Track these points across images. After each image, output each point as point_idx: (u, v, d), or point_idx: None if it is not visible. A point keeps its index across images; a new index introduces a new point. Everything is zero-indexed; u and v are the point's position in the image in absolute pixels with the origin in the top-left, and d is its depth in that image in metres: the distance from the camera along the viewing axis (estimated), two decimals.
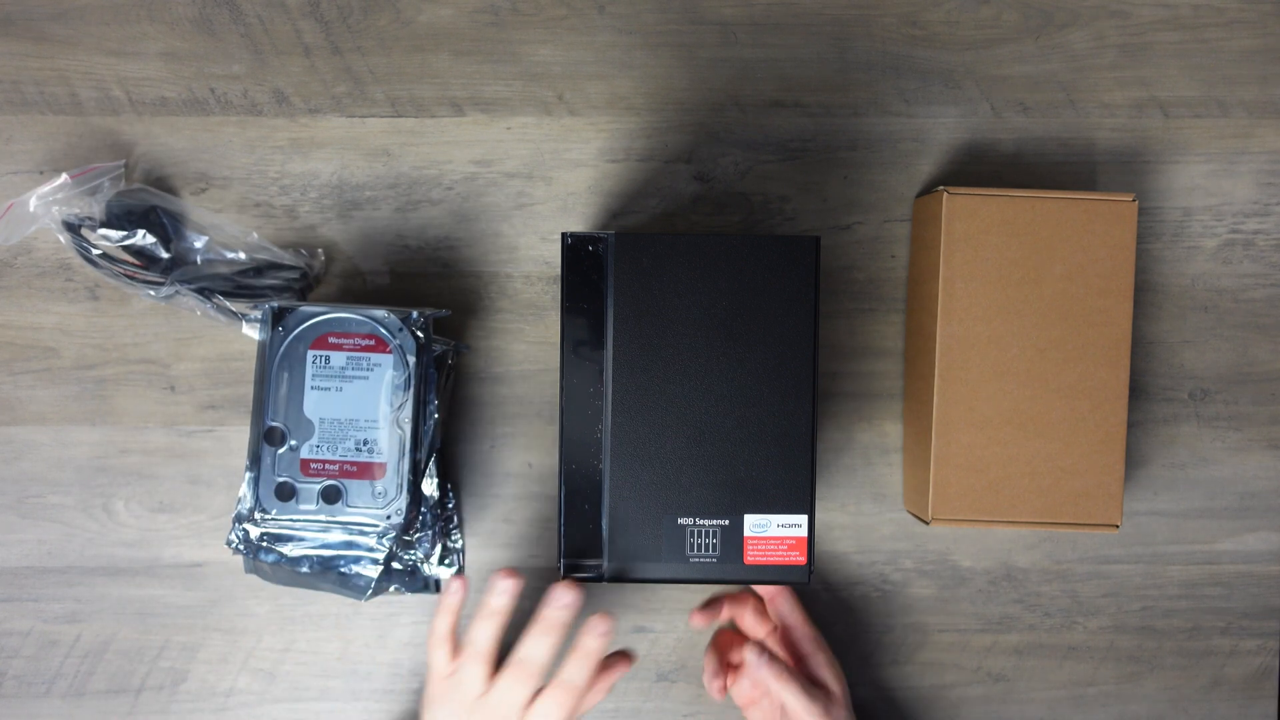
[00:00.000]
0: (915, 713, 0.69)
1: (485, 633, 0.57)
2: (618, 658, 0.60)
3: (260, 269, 0.65)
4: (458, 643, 0.58)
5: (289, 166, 0.68)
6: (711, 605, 0.67)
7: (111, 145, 0.67)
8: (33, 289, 0.68)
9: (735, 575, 0.57)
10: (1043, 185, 0.68)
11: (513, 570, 0.57)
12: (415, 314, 0.60)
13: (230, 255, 0.65)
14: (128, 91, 0.67)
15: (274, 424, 0.59)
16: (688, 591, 0.69)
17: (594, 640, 0.55)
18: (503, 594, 0.57)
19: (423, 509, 0.62)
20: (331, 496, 0.59)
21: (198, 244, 0.65)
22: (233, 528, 0.60)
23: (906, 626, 0.69)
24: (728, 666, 0.66)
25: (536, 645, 0.55)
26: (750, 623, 0.66)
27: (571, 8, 0.67)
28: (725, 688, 0.65)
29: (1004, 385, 0.62)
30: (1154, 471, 0.69)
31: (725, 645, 0.67)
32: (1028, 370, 0.62)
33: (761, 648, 0.60)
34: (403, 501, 0.59)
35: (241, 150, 0.67)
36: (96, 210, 0.63)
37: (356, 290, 0.68)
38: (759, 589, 0.66)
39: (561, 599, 0.55)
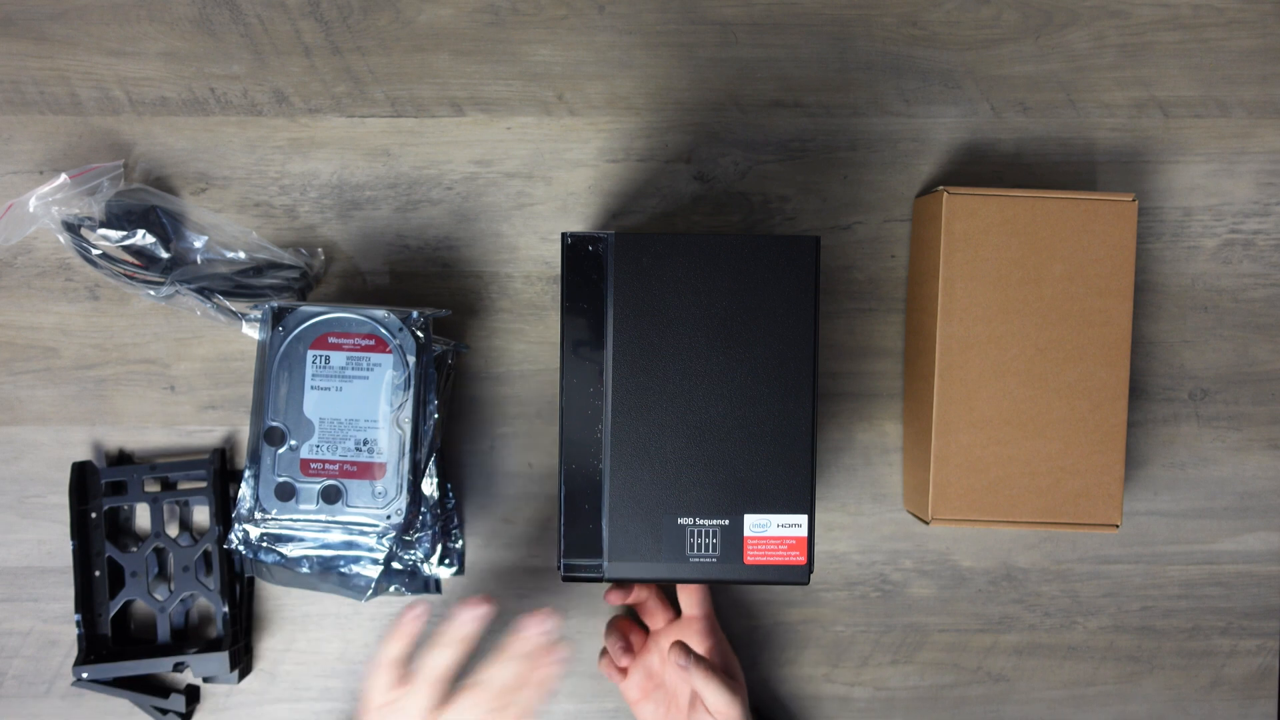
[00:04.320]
0: (915, 713, 0.69)
1: (444, 659, 0.54)
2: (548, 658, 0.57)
3: (260, 269, 0.65)
4: (405, 671, 0.56)
5: (289, 166, 0.68)
6: (622, 586, 0.65)
7: (111, 145, 0.67)
8: (33, 289, 0.68)
9: (735, 575, 0.57)
10: (1043, 185, 0.68)
11: (486, 597, 0.56)
12: (415, 314, 0.60)
13: (230, 255, 0.65)
14: (128, 91, 0.67)
15: (274, 424, 0.59)
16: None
17: (520, 641, 0.54)
18: (473, 621, 0.55)
19: (423, 509, 0.62)
20: (331, 496, 0.59)
21: (197, 244, 0.65)
22: (233, 528, 0.60)
23: (906, 626, 0.69)
24: (628, 652, 0.65)
25: (499, 670, 0.54)
26: (654, 606, 0.65)
27: (571, 8, 0.67)
28: (628, 671, 0.65)
29: (1004, 385, 0.62)
30: (1154, 471, 0.69)
31: (624, 630, 0.66)
32: (1028, 370, 0.62)
33: (684, 648, 0.59)
34: (403, 501, 0.59)
35: (241, 150, 0.67)
36: (96, 210, 0.63)
37: (356, 290, 0.68)
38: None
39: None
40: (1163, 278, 0.69)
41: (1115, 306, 0.62)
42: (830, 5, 0.68)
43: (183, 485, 0.67)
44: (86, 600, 0.65)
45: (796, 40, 0.68)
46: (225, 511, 0.66)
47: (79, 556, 0.65)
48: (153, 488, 0.67)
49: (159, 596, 0.66)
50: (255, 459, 0.59)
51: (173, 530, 0.67)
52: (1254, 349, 0.69)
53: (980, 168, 0.68)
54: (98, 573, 0.66)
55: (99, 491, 0.66)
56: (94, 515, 0.66)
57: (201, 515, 0.68)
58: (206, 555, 0.66)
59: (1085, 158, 0.68)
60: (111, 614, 0.66)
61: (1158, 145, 0.68)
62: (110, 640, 0.66)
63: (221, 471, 0.66)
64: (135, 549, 0.66)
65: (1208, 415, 0.69)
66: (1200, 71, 0.68)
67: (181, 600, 0.66)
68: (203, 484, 0.66)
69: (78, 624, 0.65)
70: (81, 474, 0.65)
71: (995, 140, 0.68)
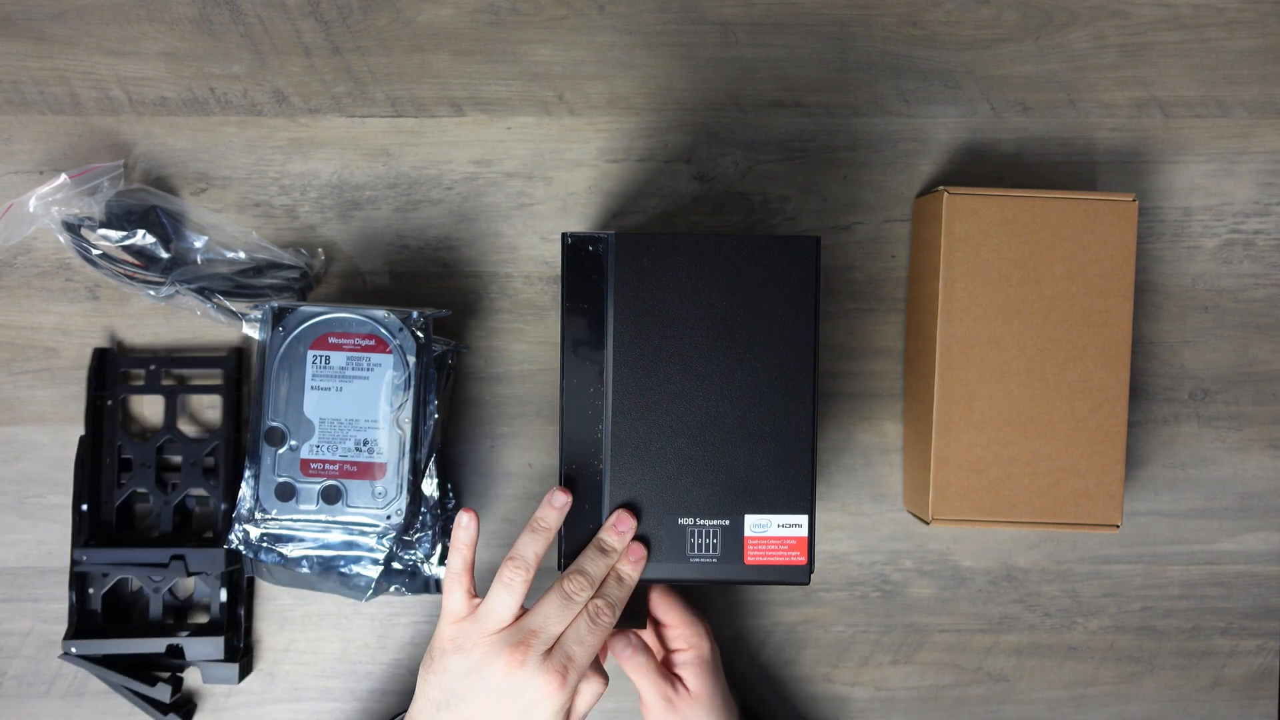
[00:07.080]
0: (915, 713, 0.69)
1: (534, 546, 0.55)
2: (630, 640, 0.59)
3: (260, 269, 0.65)
4: (475, 581, 0.57)
5: (289, 166, 0.68)
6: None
7: (111, 145, 0.67)
8: (33, 289, 0.68)
9: (735, 575, 0.57)
10: (1043, 185, 0.68)
11: (565, 489, 0.57)
12: (415, 314, 0.60)
13: (230, 255, 0.65)
14: (128, 91, 0.67)
15: (274, 424, 0.59)
16: (687, 591, 0.69)
17: (603, 539, 0.56)
18: (557, 508, 0.56)
19: (423, 509, 0.62)
20: (331, 496, 0.59)
21: (198, 244, 0.65)
22: (233, 528, 0.60)
23: (906, 626, 0.69)
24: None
25: (587, 564, 0.55)
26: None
27: (571, 8, 0.67)
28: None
29: (1004, 385, 0.62)
30: (1154, 471, 0.69)
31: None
32: (1028, 370, 0.62)
33: (629, 639, 0.60)
34: (403, 501, 0.59)
35: (241, 150, 0.67)
36: (96, 210, 0.63)
37: (356, 290, 0.68)
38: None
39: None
40: (1163, 278, 0.69)
41: (1115, 306, 0.62)
42: (830, 5, 0.68)
43: (197, 381, 0.68)
44: (95, 488, 0.66)
45: (796, 40, 0.68)
46: (238, 410, 0.67)
47: (90, 445, 0.66)
48: (168, 382, 0.68)
49: (163, 491, 0.66)
50: (255, 459, 0.59)
51: (184, 426, 0.68)
52: (1254, 349, 0.69)
53: (980, 168, 0.68)
54: (108, 460, 0.66)
55: (116, 379, 0.66)
56: (109, 403, 0.66)
57: (213, 413, 0.68)
58: (212, 453, 0.66)
59: (1085, 158, 0.68)
60: (118, 502, 0.66)
61: (1158, 145, 0.68)
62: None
63: (238, 371, 0.67)
64: (145, 442, 0.66)
65: (1208, 415, 0.69)
66: (1200, 71, 0.68)
67: (181, 501, 0.67)
68: (218, 380, 0.67)
69: (76, 512, 0.65)
70: (101, 360, 0.66)
71: (995, 140, 0.68)
